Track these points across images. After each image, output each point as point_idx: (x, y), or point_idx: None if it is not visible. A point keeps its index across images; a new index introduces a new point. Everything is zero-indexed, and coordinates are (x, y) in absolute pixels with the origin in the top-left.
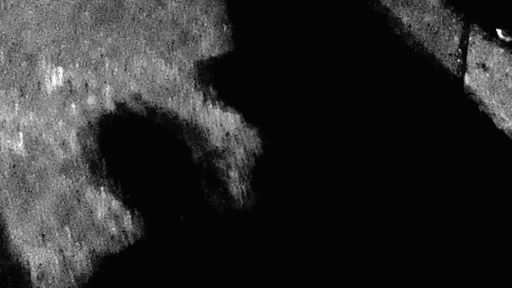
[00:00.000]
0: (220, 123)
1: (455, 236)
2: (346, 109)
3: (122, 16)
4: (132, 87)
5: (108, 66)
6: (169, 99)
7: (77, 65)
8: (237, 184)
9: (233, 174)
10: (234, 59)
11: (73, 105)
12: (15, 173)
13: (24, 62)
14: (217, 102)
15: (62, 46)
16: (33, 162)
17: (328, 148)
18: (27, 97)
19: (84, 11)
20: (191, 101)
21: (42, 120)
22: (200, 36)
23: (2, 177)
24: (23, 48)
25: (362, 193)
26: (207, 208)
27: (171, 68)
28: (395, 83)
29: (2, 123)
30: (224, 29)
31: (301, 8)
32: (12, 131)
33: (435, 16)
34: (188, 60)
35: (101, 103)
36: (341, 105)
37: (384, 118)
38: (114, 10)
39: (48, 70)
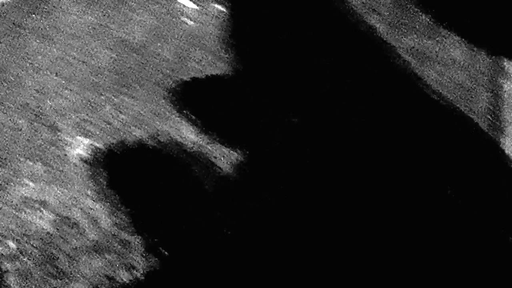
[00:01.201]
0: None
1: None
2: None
3: (145, 82)
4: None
5: (134, 134)
6: (197, 164)
7: (100, 134)
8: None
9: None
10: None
11: (100, 178)
12: (44, 254)
13: (46, 132)
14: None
15: (83, 114)
16: (62, 242)
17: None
18: (52, 170)
19: (105, 77)
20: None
21: (69, 195)
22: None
23: (31, 260)
24: (45, 117)
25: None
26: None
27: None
28: (427, 144)
29: (27, 199)
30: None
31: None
32: (39, 207)
33: (465, 74)
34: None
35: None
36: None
37: (421, 182)
38: (137, 75)
39: (71, 140)
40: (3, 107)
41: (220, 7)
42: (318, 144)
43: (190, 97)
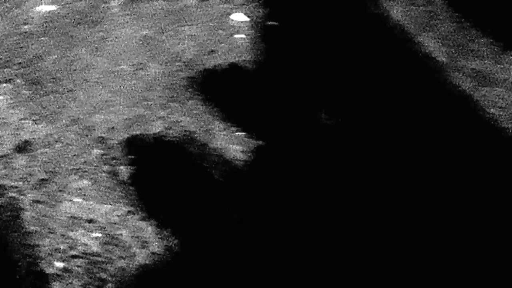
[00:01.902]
0: None
1: None
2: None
3: (196, 97)
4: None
5: (184, 151)
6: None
7: (150, 151)
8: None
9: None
10: None
11: (149, 197)
12: (91, 276)
13: (96, 147)
14: None
15: (134, 130)
16: (109, 263)
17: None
18: (100, 187)
19: (156, 92)
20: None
21: (117, 214)
22: None
23: (78, 281)
24: (95, 132)
25: None
26: None
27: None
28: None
29: (75, 217)
30: None
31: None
32: (86, 225)
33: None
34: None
35: None
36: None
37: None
38: (188, 90)
39: (120, 156)
40: (53, 120)
41: (272, 22)
42: (341, 147)
43: (241, 113)
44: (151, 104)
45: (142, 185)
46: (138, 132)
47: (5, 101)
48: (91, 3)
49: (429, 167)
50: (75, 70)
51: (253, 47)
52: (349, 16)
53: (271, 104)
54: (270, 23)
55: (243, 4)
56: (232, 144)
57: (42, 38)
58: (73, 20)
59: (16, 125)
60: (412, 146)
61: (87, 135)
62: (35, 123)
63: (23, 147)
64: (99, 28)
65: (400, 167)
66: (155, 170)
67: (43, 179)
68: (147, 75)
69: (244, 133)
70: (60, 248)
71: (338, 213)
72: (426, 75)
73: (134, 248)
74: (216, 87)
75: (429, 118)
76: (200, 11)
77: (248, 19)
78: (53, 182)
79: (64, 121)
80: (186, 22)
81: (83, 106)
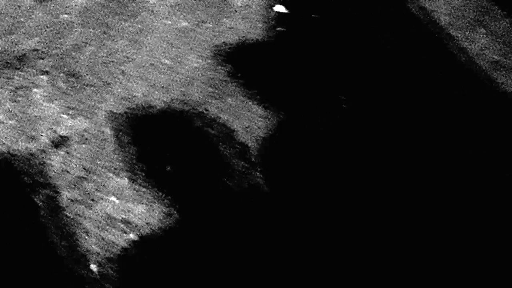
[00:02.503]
0: None
1: None
2: None
3: (237, 95)
4: None
5: (225, 151)
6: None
7: (189, 150)
8: None
9: None
10: None
11: (187, 198)
12: (125, 279)
13: (133, 144)
14: None
15: (172, 127)
16: (145, 266)
17: None
18: (137, 186)
19: (195, 87)
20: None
21: (154, 214)
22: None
23: (112, 285)
24: (132, 127)
25: None
26: None
27: None
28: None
29: (111, 217)
30: None
31: None
32: (122, 227)
33: None
34: None
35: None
36: None
37: None
38: (229, 86)
39: (159, 155)
40: (90, 115)
41: (313, 14)
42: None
43: (285, 106)
44: (189, 100)
45: (180, 185)
46: (176, 129)
47: (41, 93)
48: None
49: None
50: (112, 62)
51: (294, 39)
52: (396, 10)
53: (305, 93)
54: (312, 15)
55: None
56: (271, 139)
57: (80, 29)
58: (111, 11)
59: (52, 119)
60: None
61: (124, 131)
62: (72, 118)
63: (59, 143)
64: (137, 20)
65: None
66: (193, 169)
67: (79, 177)
68: (186, 68)
69: (283, 125)
70: (96, 251)
71: (352, 186)
72: (476, 73)
73: (169, 251)
74: (258, 82)
75: (477, 118)
76: (240, 3)
77: (289, 12)
78: (89, 180)
79: (101, 116)
80: (226, 14)
81: (120, 100)
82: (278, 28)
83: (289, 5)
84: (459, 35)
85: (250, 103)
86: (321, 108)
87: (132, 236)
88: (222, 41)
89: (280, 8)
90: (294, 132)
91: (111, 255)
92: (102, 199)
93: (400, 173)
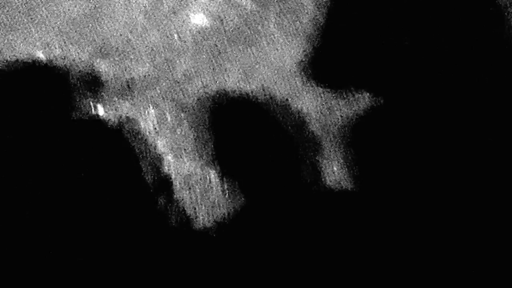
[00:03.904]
0: None
1: None
2: None
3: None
4: None
5: None
6: None
7: None
8: None
9: None
10: None
11: None
12: None
13: (241, 194)
14: None
15: (285, 180)
16: None
17: None
18: None
19: (306, 131)
20: None
21: None
22: None
23: None
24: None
25: None
26: None
27: None
28: None
29: None
30: None
31: None
32: None
33: None
34: None
35: None
36: None
37: None
38: (344, 134)
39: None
40: (196, 157)
41: None
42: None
43: None
44: (300, 150)
45: None
46: (292, 186)
47: (149, 128)
48: (247, 18)
49: None
50: (224, 95)
51: None
52: None
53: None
54: None
55: None
56: None
57: (193, 56)
58: (226, 38)
59: (156, 158)
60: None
61: (229, 180)
62: (177, 158)
63: (161, 186)
64: (253, 50)
65: None
66: None
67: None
68: (299, 109)
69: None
70: None
71: None
72: None
73: None
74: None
75: None
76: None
77: None
78: None
79: (207, 158)
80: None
81: (228, 143)
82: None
83: None
84: None
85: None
86: None
87: None
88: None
89: None
90: None
91: None
92: None
93: None
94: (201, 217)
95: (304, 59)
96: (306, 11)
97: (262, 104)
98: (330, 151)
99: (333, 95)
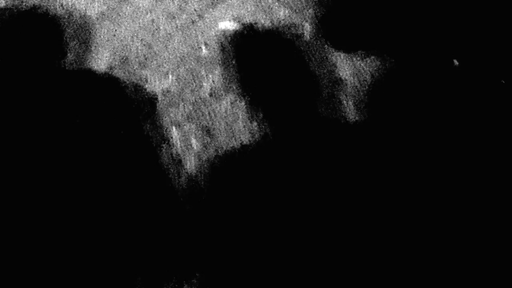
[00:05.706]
0: None
1: None
2: None
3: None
4: None
5: None
6: None
7: None
8: None
9: None
10: None
11: None
12: None
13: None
14: None
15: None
16: None
17: None
18: None
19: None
20: None
21: None
22: None
23: None
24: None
25: None
26: None
27: None
28: None
29: None
30: None
31: None
32: None
33: None
34: None
35: None
36: None
37: None
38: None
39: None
40: None
41: None
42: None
43: None
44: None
45: None
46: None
47: (170, 152)
48: (282, 24)
49: None
50: (253, 117)
51: None
52: None
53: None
54: None
55: None
56: None
57: (220, 69)
58: (256, 46)
59: (181, 189)
60: None
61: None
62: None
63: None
64: (285, 61)
65: None
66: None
67: None
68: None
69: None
70: None
71: None
72: None
73: None
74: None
75: None
76: None
77: None
78: None
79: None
80: None
81: None
82: None
83: None
84: None
85: None
86: None
87: None
88: None
89: None
90: None
91: None
92: None
93: None
94: None
95: (343, 78)
96: None
97: (296, 125)
98: (349, 90)
99: (362, 52)
